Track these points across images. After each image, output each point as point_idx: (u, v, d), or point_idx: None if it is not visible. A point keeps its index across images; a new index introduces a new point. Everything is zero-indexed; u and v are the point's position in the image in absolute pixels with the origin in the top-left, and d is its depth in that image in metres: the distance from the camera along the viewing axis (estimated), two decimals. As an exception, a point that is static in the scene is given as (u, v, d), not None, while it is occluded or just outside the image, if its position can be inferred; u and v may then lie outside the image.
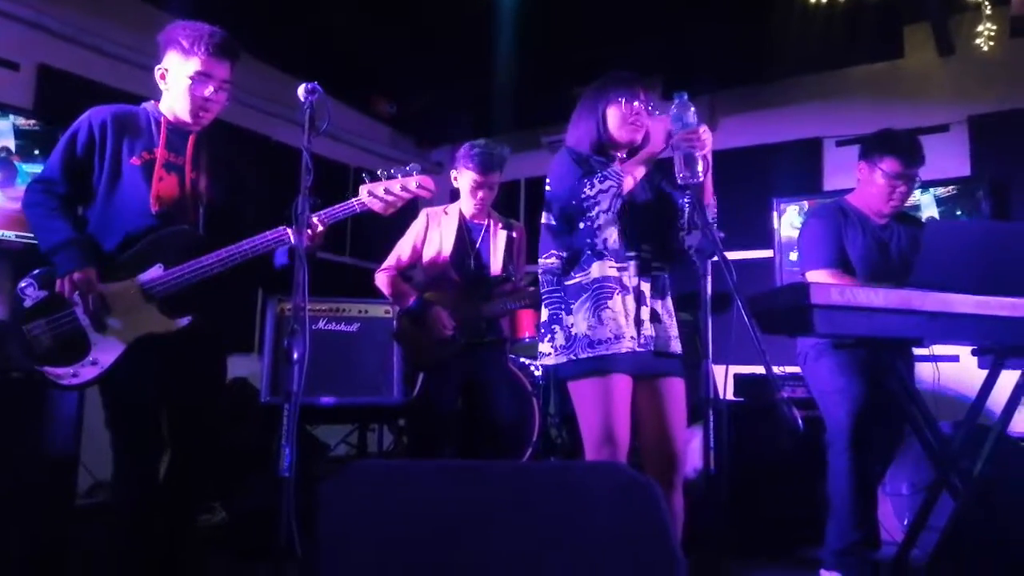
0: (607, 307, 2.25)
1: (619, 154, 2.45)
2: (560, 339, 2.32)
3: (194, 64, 2.32)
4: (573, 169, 2.32)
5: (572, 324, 2.29)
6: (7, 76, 3.96)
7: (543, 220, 2.44)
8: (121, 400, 2.28)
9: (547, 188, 2.43)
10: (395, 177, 2.29)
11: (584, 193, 2.23)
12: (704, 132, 2.13)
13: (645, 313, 2.30)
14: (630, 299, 2.29)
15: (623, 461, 2.22)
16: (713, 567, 1.94)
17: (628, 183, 2.25)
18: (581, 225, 2.29)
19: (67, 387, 2.25)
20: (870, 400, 2.79)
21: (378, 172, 2.31)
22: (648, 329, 2.29)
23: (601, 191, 2.21)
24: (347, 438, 4.80)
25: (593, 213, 2.25)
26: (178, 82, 2.35)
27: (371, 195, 2.28)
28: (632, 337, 2.26)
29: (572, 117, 2.50)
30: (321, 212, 2.29)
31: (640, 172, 2.28)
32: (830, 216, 3.01)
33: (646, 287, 2.32)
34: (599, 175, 2.23)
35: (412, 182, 2.28)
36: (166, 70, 2.37)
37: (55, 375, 2.22)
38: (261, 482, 3.27)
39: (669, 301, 2.39)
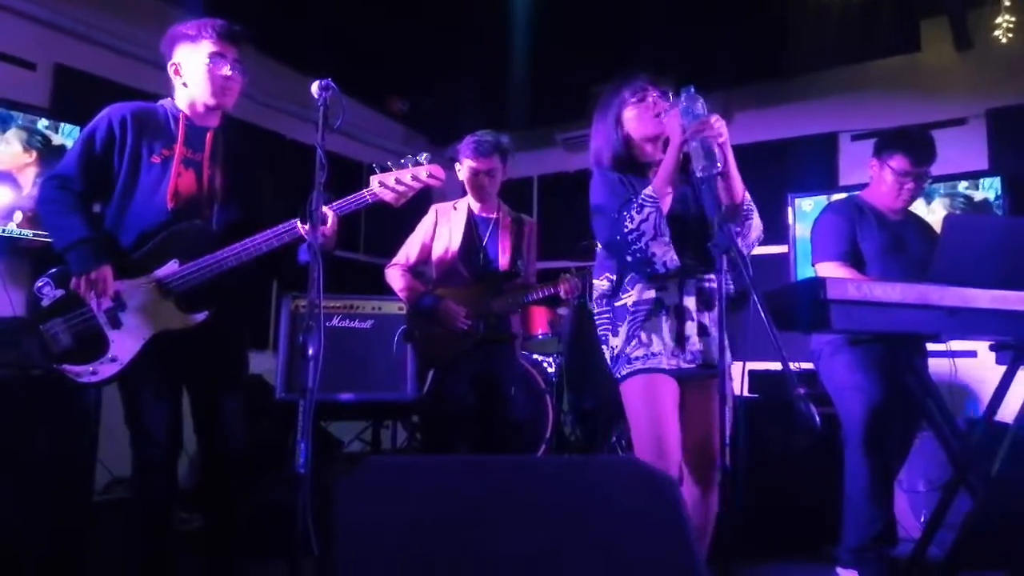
0: (648, 329, 2.23)
1: (654, 155, 2.38)
2: (608, 360, 2.33)
3: (206, 46, 2.35)
4: (610, 199, 2.27)
5: (615, 346, 2.29)
6: (24, 76, 3.98)
7: (597, 245, 2.43)
8: (140, 396, 2.30)
9: (590, 205, 2.38)
10: (405, 167, 2.28)
11: (626, 227, 2.18)
12: (716, 121, 2.09)
13: (691, 328, 2.25)
14: (671, 320, 2.24)
15: (673, 464, 2.18)
16: (728, 563, 1.93)
17: (666, 203, 2.20)
18: (629, 258, 2.23)
19: (86, 384, 2.26)
20: (886, 396, 2.78)
21: (388, 163, 2.31)
22: (695, 344, 2.24)
23: (643, 221, 2.16)
24: (361, 435, 4.81)
25: (641, 244, 2.18)
26: (195, 68, 2.36)
27: (382, 185, 2.28)
28: (673, 354, 2.22)
29: (591, 133, 2.46)
30: (333, 204, 2.30)
31: (671, 185, 2.21)
32: (845, 211, 3.01)
33: (690, 302, 2.26)
34: (635, 204, 2.17)
35: (423, 171, 2.28)
36: (179, 63, 2.39)
37: (74, 373, 2.24)
38: (277, 478, 3.28)
39: (716, 312, 2.30)
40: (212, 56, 2.35)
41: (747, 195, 2.27)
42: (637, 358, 2.23)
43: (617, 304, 2.31)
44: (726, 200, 2.21)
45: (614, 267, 2.34)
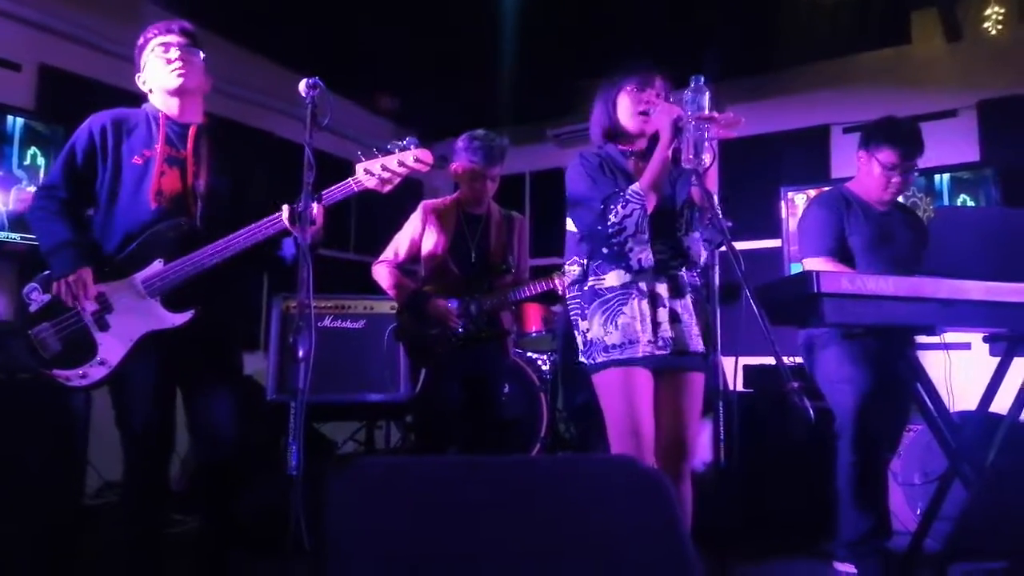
0: (622, 312, 2.24)
1: (636, 146, 2.41)
2: (579, 344, 2.34)
3: (152, 42, 2.39)
4: (593, 189, 2.29)
5: (588, 329, 2.29)
6: (9, 77, 3.95)
7: (567, 227, 2.43)
8: (129, 398, 2.29)
9: (567, 191, 2.40)
10: (391, 152, 2.25)
11: (609, 220, 2.20)
12: (725, 117, 2.07)
13: (663, 315, 2.26)
14: (645, 303, 2.26)
15: (649, 456, 2.21)
16: (724, 560, 1.92)
17: (652, 202, 2.22)
18: (605, 250, 2.27)
19: (76, 388, 2.26)
20: (877, 389, 2.77)
21: (374, 149, 2.28)
22: (667, 331, 2.26)
23: (626, 216, 2.18)
24: (355, 435, 4.79)
25: (620, 239, 2.21)
26: (151, 65, 2.40)
27: (368, 172, 2.25)
28: (649, 341, 2.23)
29: (593, 105, 2.48)
30: (319, 194, 2.27)
31: (660, 183, 2.22)
32: (832, 204, 2.99)
33: (662, 288, 2.28)
34: (621, 199, 2.20)
35: (409, 156, 2.24)
36: (141, 71, 2.45)
37: (64, 377, 2.23)
38: (269, 480, 3.26)
39: (689, 300, 2.35)
40: (159, 47, 2.38)
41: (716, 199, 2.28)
42: (614, 346, 2.23)
43: (586, 288, 2.33)
44: (699, 197, 2.23)
45: (585, 251, 2.35)
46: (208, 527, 2.42)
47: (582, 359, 2.34)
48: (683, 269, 2.35)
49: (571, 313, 2.39)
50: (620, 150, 2.41)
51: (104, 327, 2.25)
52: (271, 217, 2.27)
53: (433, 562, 1.30)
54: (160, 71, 2.38)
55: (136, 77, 2.45)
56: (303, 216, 2.01)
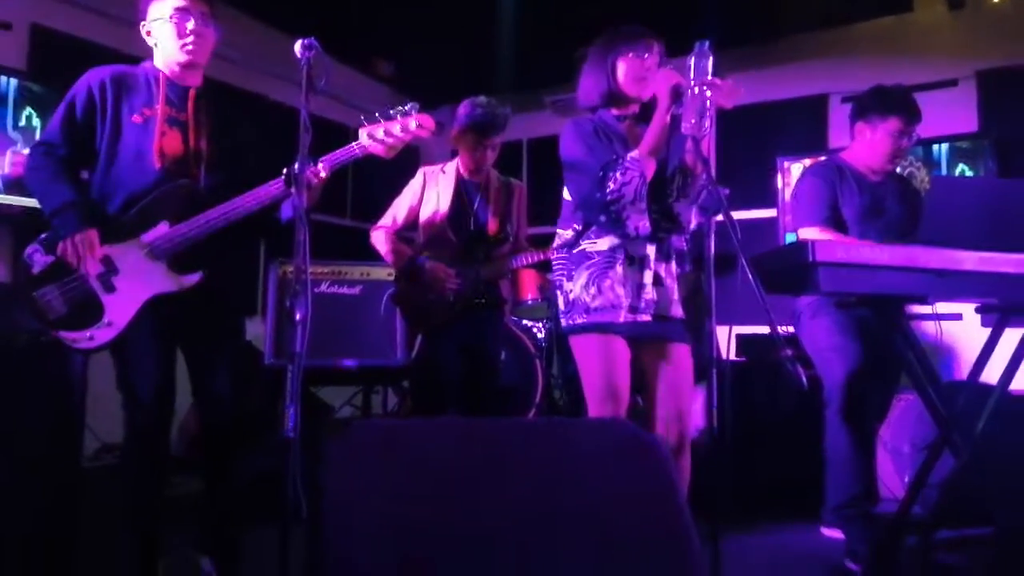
0: (607, 276, 2.25)
1: (631, 109, 2.41)
2: (560, 304, 2.36)
3: (171, 2, 2.31)
4: (589, 155, 2.28)
5: (571, 290, 2.31)
6: None
7: (564, 195, 2.43)
8: (132, 361, 2.29)
9: (562, 159, 2.39)
10: (394, 118, 2.24)
11: (608, 187, 2.19)
12: (727, 85, 2.06)
13: (648, 277, 2.28)
14: (632, 267, 2.27)
15: (623, 416, 2.25)
16: (715, 525, 1.95)
17: (651, 169, 2.21)
18: (603, 218, 2.26)
19: (84, 351, 2.26)
20: (867, 359, 2.80)
21: (376, 114, 2.26)
22: (649, 293, 2.28)
23: (625, 184, 2.18)
24: (352, 400, 4.82)
25: (618, 207, 2.21)
26: (162, 26, 2.33)
27: (371, 138, 2.24)
28: (631, 307, 2.25)
29: (582, 71, 2.45)
30: (322, 158, 2.26)
31: (658, 149, 2.21)
32: (825, 174, 3.01)
33: (651, 250, 2.30)
34: (621, 166, 2.19)
35: (412, 122, 2.23)
36: (149, 24, 2.37)
37: (71, 339, 2.23)
38: (266, 444, 3.28)
39: (674, 264, 2.36)
40: (177, 11, 2.32)
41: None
42: (596, 309, 2.25)
43: (576, 251, 2.34)
44: (693, 163, 2.23)
45: (581, 218, 2.36)
46: (210, 490, 2.43)
47: (562, 320, 2.35)
48: (672, 234, 2.35)
49: (556, 274, 2.41)
50: (614, 115, 2.40)
51: (110, 289, 2.24)
52: (275, 180, 2.26)
53: (429, 524, 1.32)
54: (170, 40, 2.33)
55: (140, 25, 2.38)
56: (298, 179, 2.00)
